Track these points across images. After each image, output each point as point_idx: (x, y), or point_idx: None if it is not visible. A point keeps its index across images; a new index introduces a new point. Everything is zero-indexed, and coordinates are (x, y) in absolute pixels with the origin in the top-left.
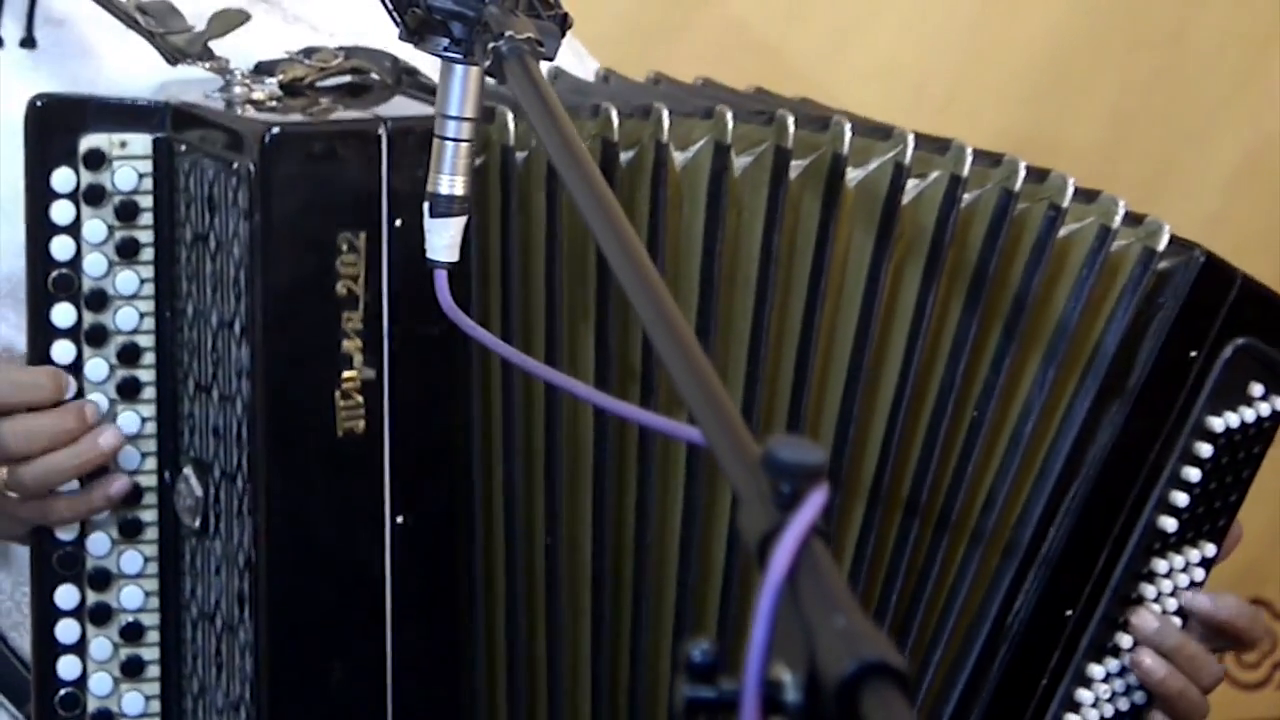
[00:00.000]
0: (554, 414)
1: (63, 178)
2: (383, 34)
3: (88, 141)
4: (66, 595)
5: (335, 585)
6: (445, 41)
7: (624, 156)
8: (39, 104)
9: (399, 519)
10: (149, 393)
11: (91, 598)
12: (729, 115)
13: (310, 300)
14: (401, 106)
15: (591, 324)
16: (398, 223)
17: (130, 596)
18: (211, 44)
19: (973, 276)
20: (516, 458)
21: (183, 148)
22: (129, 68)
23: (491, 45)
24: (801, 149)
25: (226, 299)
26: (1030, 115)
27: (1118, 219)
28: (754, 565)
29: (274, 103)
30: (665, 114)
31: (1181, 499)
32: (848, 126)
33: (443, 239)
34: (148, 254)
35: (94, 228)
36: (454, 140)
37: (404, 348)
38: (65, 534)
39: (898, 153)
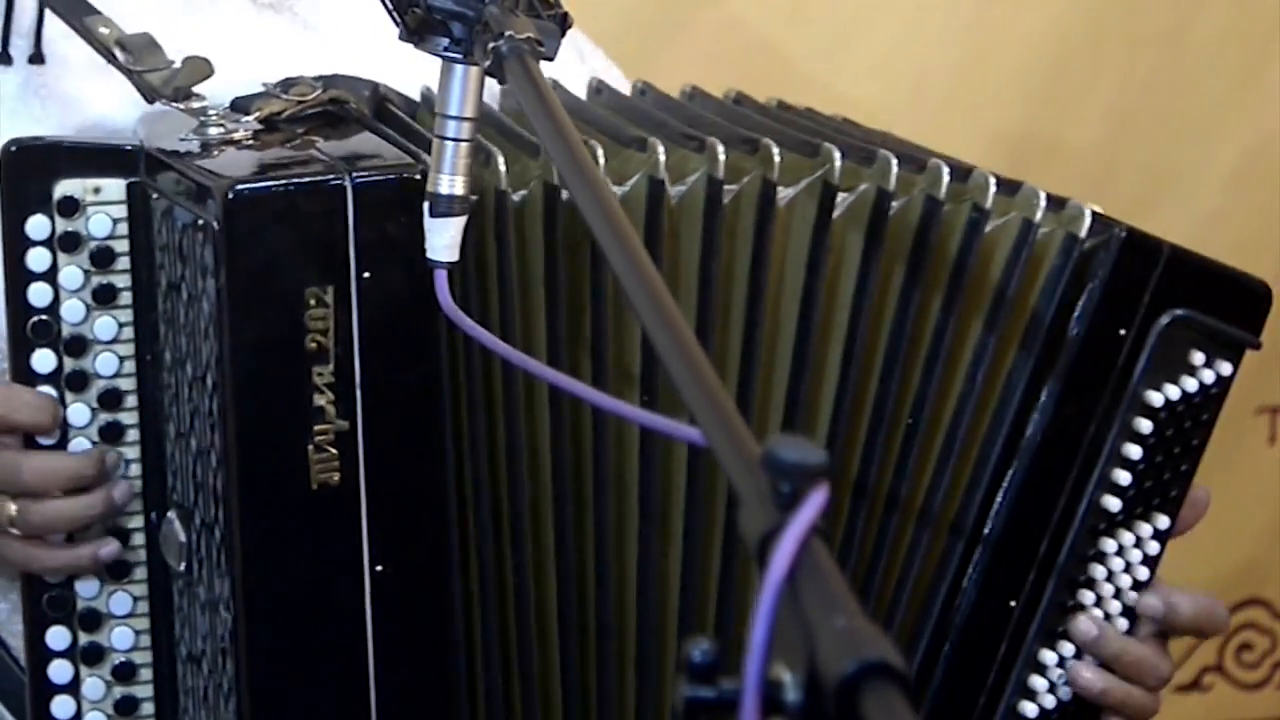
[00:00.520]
0: (534, 456)
1: (38, 225)
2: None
3: (61, 188)
4: (58, 636)
5: (316, 636)
6: (445, 41)
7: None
8: (12, 150)
9: (378, 568)
10: (132, 435)
11: (83, 638)
12: (720, 148)
13: (279, 355)
14: (371, 145)
15: (588, 349)
16: (366, 275)
17: (121, 637)
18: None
19: (902, 284)
20: (493, 503)
21: (155, 195)
22: (112, 99)
23: (491, 45)
24: (789, 174)
25: (199, 351)
26: (1029, 115)
27: (1039, 211)
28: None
29: (251, 141)
30: (660, 148)
31: (1124, 477)
32: (836, 155)
33: (442, 239)
34: (126, 298)
35: (70, 274)
36: (454, 140)
37: (377, 399)
38: (53, 575)
39: (825, 170)
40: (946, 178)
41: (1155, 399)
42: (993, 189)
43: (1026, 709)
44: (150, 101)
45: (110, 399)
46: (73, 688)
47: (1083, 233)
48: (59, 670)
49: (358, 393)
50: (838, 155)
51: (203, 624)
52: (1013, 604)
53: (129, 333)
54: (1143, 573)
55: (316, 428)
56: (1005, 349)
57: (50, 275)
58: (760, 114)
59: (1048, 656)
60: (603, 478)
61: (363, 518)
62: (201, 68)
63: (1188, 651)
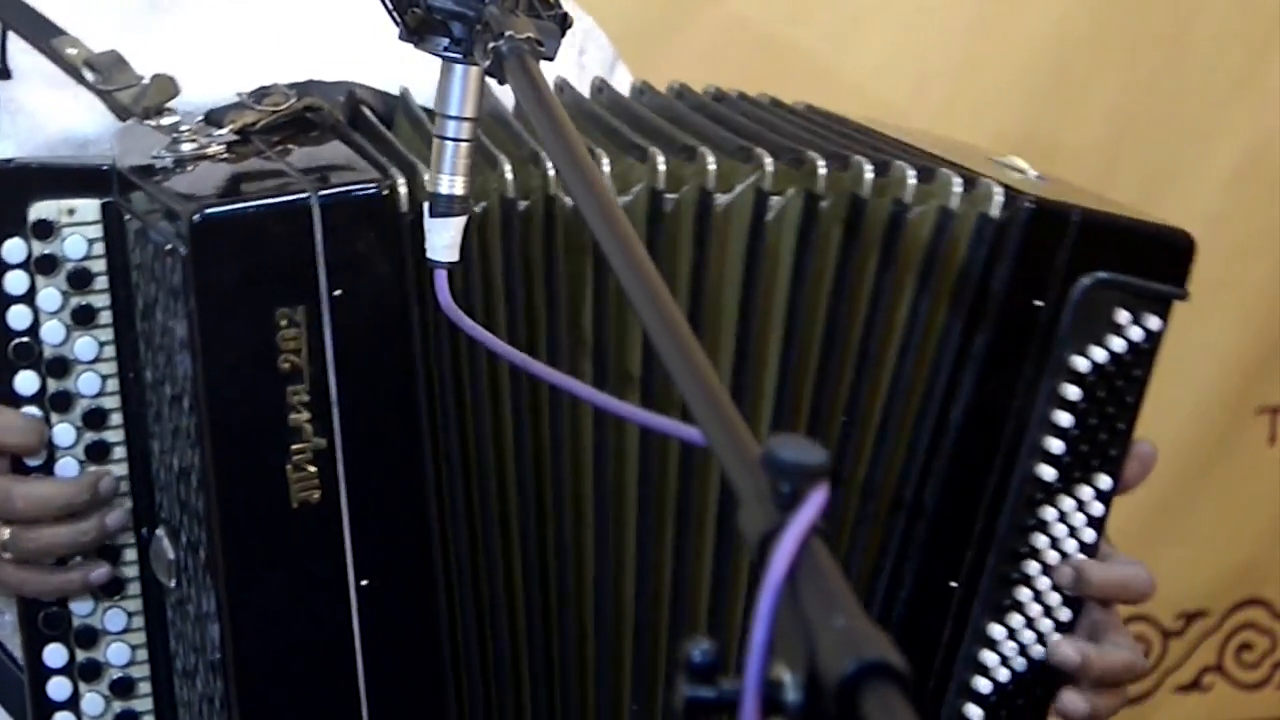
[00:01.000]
0: (516, 462)
1: (13, 248)
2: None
3: (36, 211)
4: (55, 654)
5: (305, 653)
6: (445, 41)
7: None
8: None
9: (363, 582)
10: (119, 453)
11: (80, 655)
12: (660, 159)
13: (253, 377)
14: (342, 158)
15: (588, 354)
16: (337, 292)
17: (117, 653)
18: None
19: (834, 280)
20: (481, 511)
21: (128, 216)
22: (79, 112)
23: (491, 45)
24: (672, 183)
25: (175, 372)
26: (1030, 115)
27: (955, 199)
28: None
29: (225, 154)
30: (660, 159)
31: (1057, 445)
32: (768, 160)
33: (443, 239)
34: (105, 317)
35: (49, 296)
36: (454, 140)
37: (354, 415)
38: (45, 597)
39: (757, 177)
40: (870, 175)
41: (1081, 364)
42: (911, 181)
43: (980, 684)
44: (122, 119)
45: (95, 418)
46: (72, 704)
47: (994, 211)
48: (58, 687)
49: (334, 410)
50: (769, 160)
51: (195, 639)
52: (953, 584)
53: (110, 351)
54: (1088, 534)
55: (294, 447)
56: (930, 334)
57: (29, 298)
58: (741, 113)
59: (997, 631)
60: (582, 482)
61: (345, 534)
62: (167, 86)
63: (1188, 651)
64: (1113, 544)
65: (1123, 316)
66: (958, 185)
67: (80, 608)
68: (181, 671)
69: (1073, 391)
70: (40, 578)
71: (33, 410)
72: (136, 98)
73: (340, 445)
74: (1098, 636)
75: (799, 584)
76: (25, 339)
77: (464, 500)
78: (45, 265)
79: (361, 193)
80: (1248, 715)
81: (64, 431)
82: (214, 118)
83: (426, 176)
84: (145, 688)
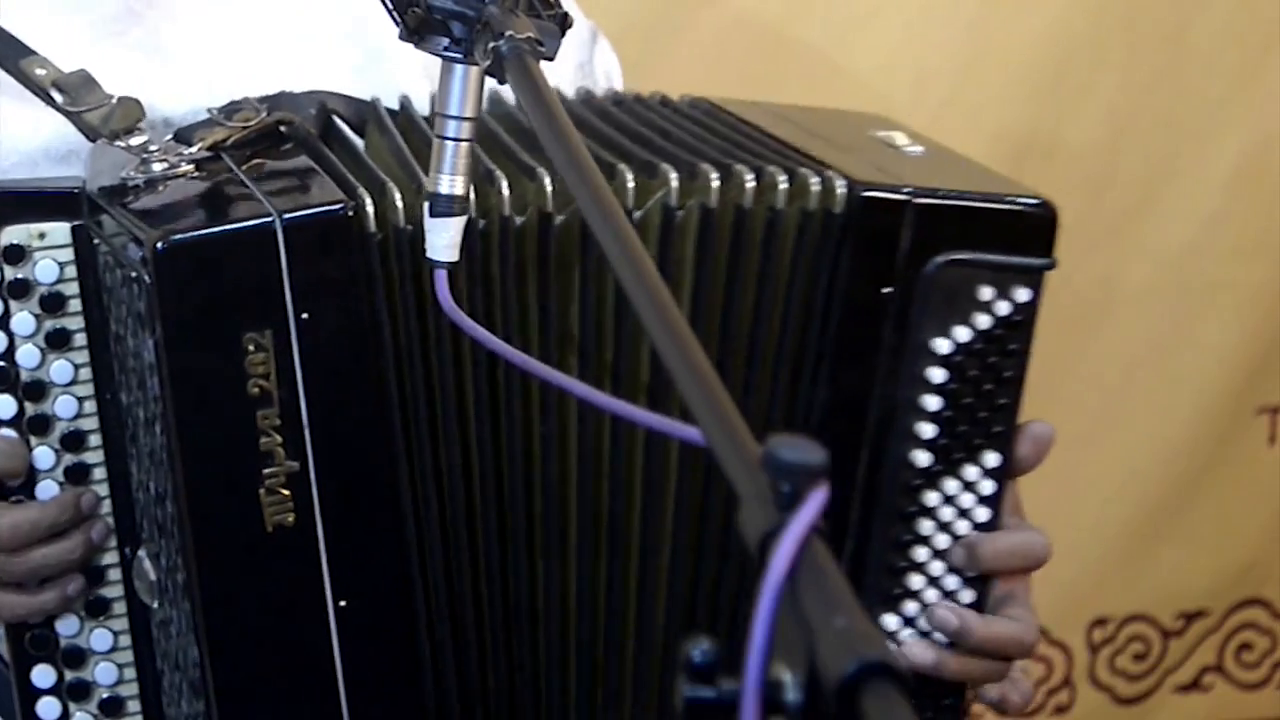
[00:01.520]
0: (489, 479)
1: None
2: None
3: (7, 235)
4: (43, 675)
5: (285, 675)
6: (445, 41)
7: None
8: None
9: (342, 603)
10: (99, 474)
11: (69, 675)
12: (547, 180)
13: (222, 403)
14: (309, 177)
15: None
16: (304, 316)
17: (105, 673)
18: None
19: (692, 290)
20: (456, 528)
21: (96, 241)
22: (28, 122)
23: (491, 45)
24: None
25: (147, 396)
26: (1030, 115)
27: (781, 197)
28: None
29: (195, 174)
30: (504, 181)
31: (928, 429)
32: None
33: (442, 239)
34: (80, 340)
35: (22, 320)
36: (454, 140)
37: (326, 437)
38: (31, 618)
39: (664, 194)
40: (716, 183)
41: (943, 345)
42: (783, 185)
43: None
44: (91, 140)
45: (73, 441)
46: None
47: (836, 206)
48: (47, 707)
49: (306, 433)
50: (674, 176)
51: (178, 658)
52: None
53: (86, 374)
54: (982, 513)
55: (266, 471)
56: (788, 332)
57: (2, 323)
58: (638, 119)
59: (891, 620)
60: (556, 493)
61: (322, 555)
62: (133, 109)
63: (1188, 651)
64: (1022, 515)
65: (986, 293)
66: (781, 183)
67: (66, 628)
68: (168, 690)
69: (938, 374)
70: (23, 600)
71: (10, 434)
72: (105, 118)
73: (313, 467)
74: (997, 609)
75: (799, 584)
76: (1, 363)
77: (439, 518)
78: (17, 290)
79: (327, 215)
80: (1248, 715)
81: (43, 454)
82: (183, 135)
83: (398, 195)
84: (134, 706)
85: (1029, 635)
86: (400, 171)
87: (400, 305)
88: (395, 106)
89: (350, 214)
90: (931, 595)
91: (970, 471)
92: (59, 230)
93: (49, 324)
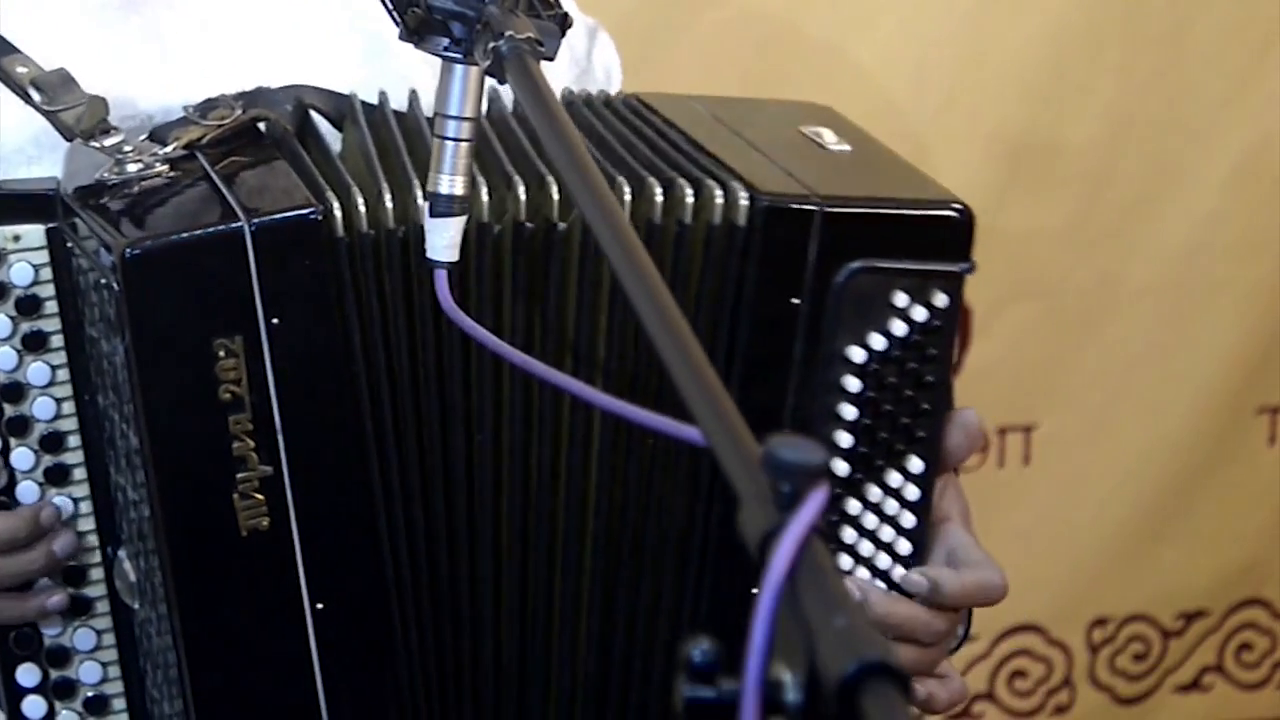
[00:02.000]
0: (461, 480)
1: None
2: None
3: None
4: (28, 674)
5: (263, 677)
6: (445, 41)
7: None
8: None
9: (319, 605)
10: (79, 474)
11: (53, 674)
12: (554, 188)
13: (194, 409)
14: (281, 179)
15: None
16: (275, 320)
17: (89, 671)
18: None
19: (590, 307)
20: (429, 527)
21: (69, 243)
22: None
23: (491, 45)
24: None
25: (120, 401)
26: (1029, 114)
27: (688, 212)
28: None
29: (172, 173)
30: (554, 188)
31: (845, 438)
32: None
33: (442, 239)
34: (57, 341)
35: None
36: (454, 140)
37: (299, 441)
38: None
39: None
40: (628, 197)
41: (858, 354)
42: (689, 199)
43: None
44: (68, 140)
45: (52, 442)
46: None
47: (740, 219)
48: (33, 706)
49: (279, 437)
50: (485, 189)
51: (159, 658)
52: (755, 590)
53: (64, 375)
54: (907, 519)
55: (240, 475)
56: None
57: None
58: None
59: None
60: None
61: (298, 558)
62: (99, 109)
63: (1188, 651)
64: (970, 525)
65: (902, 299)
66: (687, 195)
67: (49, 628)
68: (152, 689)
69: (853, 383)
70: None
71: None
72: (79, 118)
73: (287, 471)
74: (954, 564)
75: (799, 584)
76: None
77: (413, 518)
78: None
79: (296, 219)
80: (1248, 715)
81: (22, 455)
82: (159, 135)
83: (360, 200)
84: (120, 704)
85: (997, 576)
86: (367, 175)
87: (370, 309)
88: (400, 96)
89: (320, 218)
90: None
91: (894, 478)
92: (33, 233)
93: (25, 326)
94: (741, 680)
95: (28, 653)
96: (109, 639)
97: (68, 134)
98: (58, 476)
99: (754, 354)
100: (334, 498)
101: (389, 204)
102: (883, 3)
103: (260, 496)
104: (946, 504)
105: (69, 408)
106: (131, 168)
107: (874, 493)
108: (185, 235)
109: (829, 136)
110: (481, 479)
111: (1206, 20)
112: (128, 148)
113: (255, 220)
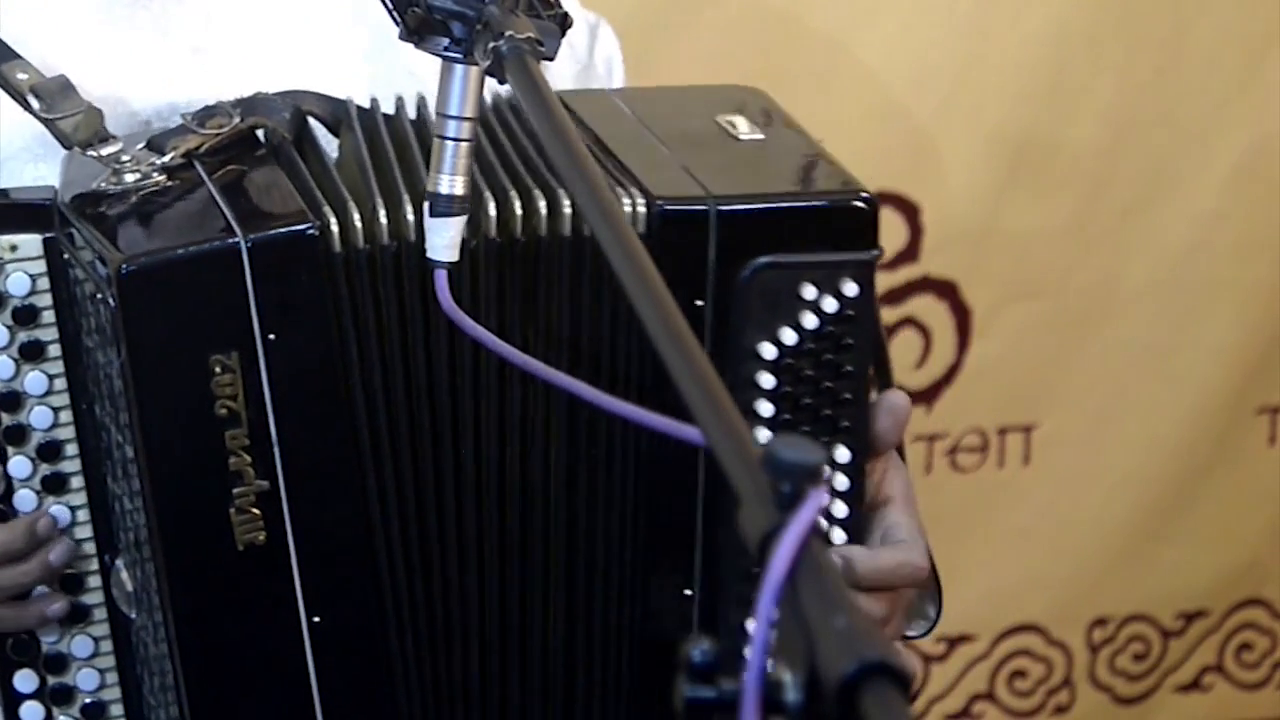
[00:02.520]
0: (454, 494)
1: None
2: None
3: None
4: (25, 680)
5: (260, 690)
6: (445, 41)
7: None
8: None
9: (315, 619)
10: (76, 483)
11: (51, 680)
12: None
13: (190, 424)
14: (279, 192)
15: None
16: (271, 336)
17: (87, 678)
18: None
19: (520, 322)
20: (425, 540)
21: (65, 255)
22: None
23: (491, 45)
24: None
25: (117, 412)
26: (1029, 115)
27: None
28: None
29: (170, 183)
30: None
31: (765, 434)
32: None
33: (443, 239)
34: (54, 351)
35: None
36: (454, 140)
37: (296, 456)
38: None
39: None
40: (519, 212)
41: (768, 350)
42: (543, 211)
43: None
44: (68, 148)
45: (49, 451)
46: None
47: (638, 226)
48: (31, 711)
49: (275, 452)
50: (493, 204)
51: (156, 667)
52: (688, 592)
53: (61, 384)
54: (839, 508)
55: (236, 490)
56: (584, 364)
57: None
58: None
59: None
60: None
61: (294, 572)
62: (94, 120)
63: (1188, 651)
64: (915, 511)
65: (810, 291)
66: (516, 207)
67: (47, 635)
68: (149, 695)
69: (767, 379)
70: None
71: None
72: (77, 126)
73: (284, 486)
74: (883, 543)
75: (799, 584)
76: None
77: (411, 530)
78: None
79: (293, 235)
80: (1248, 715)
81: (20, 464)
82: (156, 143)
83: (356, 216)
84: (117, 710)
85: (917, 557)
86: (362, 187)
87: (366, 324)
88: (405, 90)
89: (317, 234)
90: None
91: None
92: (31, 242)
93: (22, 336)
94: (741, 680)
95: (25, 659)
96: (106, 646)
97: (66, 142)
98: (55, 485)
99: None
100: (330, 513)
101: (383, 219)
102: (883, 3)
103: (256, 511)
104: (887, 486)
105: (66, 417)
106: (129, 177)
107: None
108: (181, 251)
109: (743, 126)
110: (480, 491)
111: (1206, 20)
112: (125, 157)
113: (252, 236)
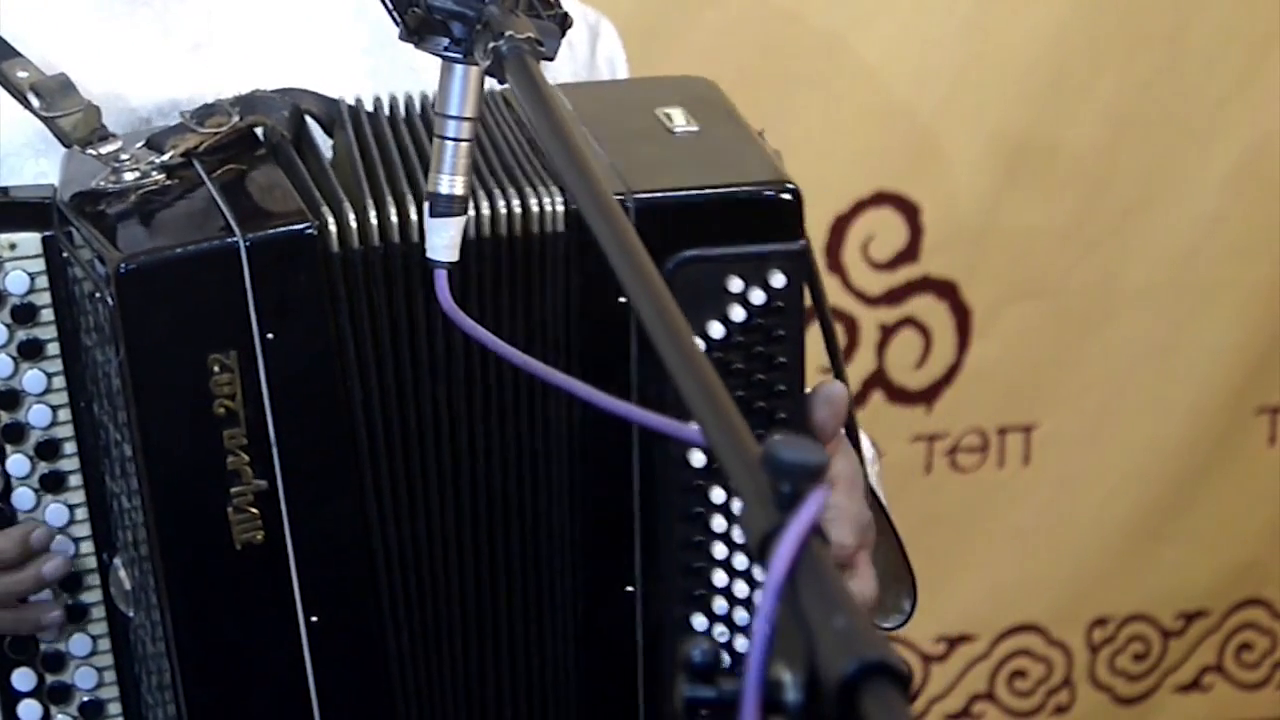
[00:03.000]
0: (452, 492)
1: None
2: None
3: None
4: (23, 678)
5: (258, 690)
6: (445, 41)
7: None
8: None
9: (313, 618)
10: (75, 481)
11: (49, 679)
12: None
13: (188, 423)
14: (277, 191)
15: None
16: (270, 336)
17: (85, 677)
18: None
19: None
20: (420, 537)
21: (65, 254)
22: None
23: (491, 45)
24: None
25: (115, 411)
26: (1029, 115)
27: (516, 224)
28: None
29: (169, 181)
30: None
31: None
32: None
33: (442, 239)
34: (53, 349)
35: None
36: (454, 140)
37: (294, 456)
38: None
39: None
40: (486, 213)
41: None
42: (485, 211)
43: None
44: (67, 147)
45: (48, 449)
46: None
47: (535, 228)
48: (28, 710)
49: (273, 451)
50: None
51: (154, 665)
52: (630, 589)
53: (60, 383)
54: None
55: (234, 489)
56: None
57: None
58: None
59: (699, 621)
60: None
61: (292, 572)
62: (92, 118)
63: (1188, 651)
64: (834, 481)
65: (736, 284)
66: (534, 206)
67: (45, 634)
68: (147, 694)
69: None
70: None
71: None
72: (76, 125)
73: (281, 486)
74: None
75: (799, 584)
76: None
77: (408, 530)
78: None
79: (292, 234)
80: (1248, 715)
81: (18, 463)
82: (156, 142)
83: (352, 215)
84: (115, 709)
85: (841, 535)
86: (355, 187)
87: (363, 324)
88: (406, 86)
89: (315, 233)
90: (742, 588)
91: None
92: (29, 241)
93: (21, 334)
94: (741, 680)
95: (23, 657)
96: (104, 644)
97: (65, 140)
98: (53, 483)
99: (591, 356)
100: (328, 512)
101: (375, 219)
102: (883, 3)
103: (254, 511)
104: (833, 471)
105: (65, 415)
106: (128, 176)
107: None
108: (180, 250)
109: (679, 119)
110: (458, 489)
111: (1206, 20)
112: (125, 156)
113: (251, 236)
